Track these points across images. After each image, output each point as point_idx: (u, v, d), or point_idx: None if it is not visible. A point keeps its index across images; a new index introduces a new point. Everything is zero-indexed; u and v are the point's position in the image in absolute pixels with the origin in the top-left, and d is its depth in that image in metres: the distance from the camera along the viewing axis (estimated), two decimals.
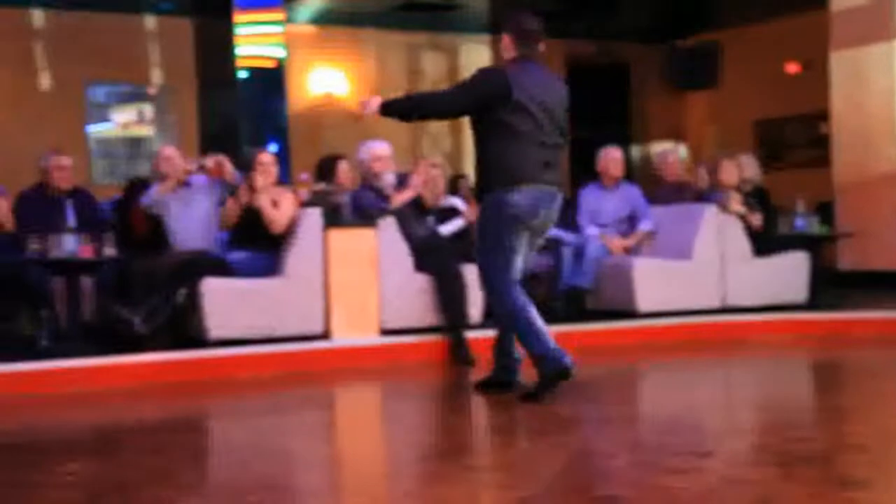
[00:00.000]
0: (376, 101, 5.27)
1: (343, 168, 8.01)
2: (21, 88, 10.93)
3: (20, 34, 11.01)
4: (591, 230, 8.26)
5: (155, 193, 7.33)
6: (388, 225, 7.20)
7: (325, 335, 6.91)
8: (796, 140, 12.66)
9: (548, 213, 5.24)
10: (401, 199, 7.36)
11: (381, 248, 7.11)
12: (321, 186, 7.78)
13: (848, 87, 9.91)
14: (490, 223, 5.21)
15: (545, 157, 5.18)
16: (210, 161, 7.34)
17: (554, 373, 5.10)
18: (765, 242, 8.22)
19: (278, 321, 6.78)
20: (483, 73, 5.25)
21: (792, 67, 12.70)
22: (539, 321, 5.16)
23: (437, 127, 13.04)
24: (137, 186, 8.31)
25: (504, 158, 5.12)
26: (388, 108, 5.26)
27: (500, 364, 5.48)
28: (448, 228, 7.85)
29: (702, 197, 8.44)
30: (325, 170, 7.99)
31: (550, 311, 7.90)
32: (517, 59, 5.24)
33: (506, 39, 5.27)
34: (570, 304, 7.98)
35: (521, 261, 5.27)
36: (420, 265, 7.24)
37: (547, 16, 11.94)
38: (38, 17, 11.11)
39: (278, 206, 6.95)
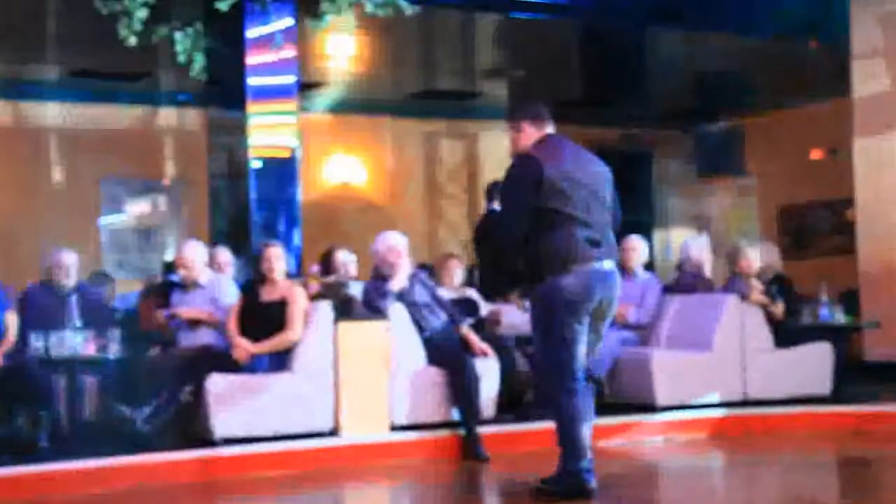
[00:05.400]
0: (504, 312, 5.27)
1: (338, 258, 8.04)
2: (35, 182, 11.13)
3: (36, 127, 11.24)
4: None
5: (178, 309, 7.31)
6: (400, 317, 7.21)
7: (334, 432, 6.88)
8: (822, 227, 12.66)
9: (605, 292, 5.12)
10: None
11: (393, 341, 7.11)
12: (331, 279, 7.84)
13: (873, 175, 9.92)
14: (545, 314, 5.10)
15: (590, 235, 5.09)
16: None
17: (572, 492, 5.10)
18: (787, 333, 8.17)
19: (286, 418, 6.76)
20: (514, 166, 5.22)
21: (817, 154, 12.73)
22: (584, 433, 5.09)
23: (455, 216, 13.12)
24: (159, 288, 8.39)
25: (549, 244, 5.05)
26: (491, 284, 5.29)
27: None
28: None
29: (712, 288, 8.43)
30: (325, 262, 8.02)
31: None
32: (542, 139, 5.25)
33: (525, 128, 5.28)
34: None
35: (585, 351, 5.14)
36: (432, 358, 7.23)
37: (568, 104, 12.17)
38: (53, 110, 11.34)
39: (288, 303, 6.95)
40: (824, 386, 8.12)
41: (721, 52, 11.08)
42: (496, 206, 5.33)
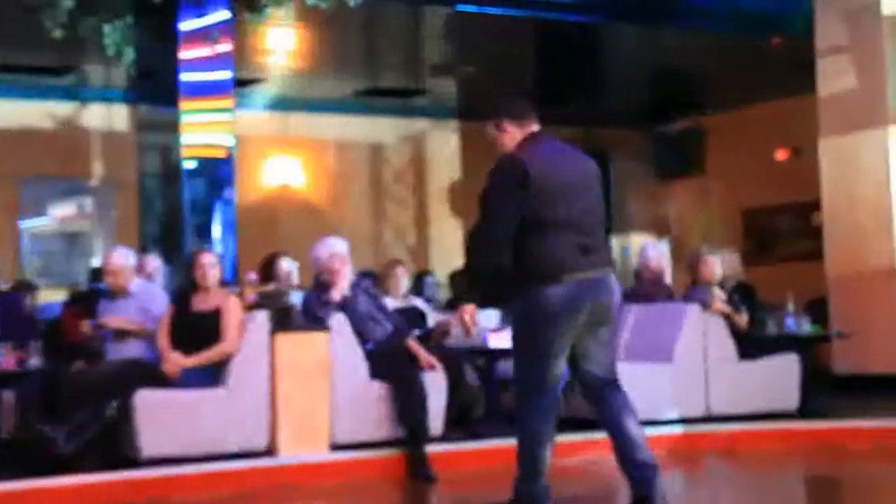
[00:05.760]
0: (468, 314, 5.10)
1: (282, 266, 7.97)
2: None
3: None
4: None
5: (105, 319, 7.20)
6: (342, 328, 7.13)
7: (270, 451, 6.80)
8: (788, 231, 12.76)
9: (597, 302, 4.96)
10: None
11: (334, 354, 7.04)
12: (269, 287, 7.75)
13: (839, 176, 10.00)
14: (525, 325, 4.99)
15: (582, 240, 4.95)
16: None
17: None
18: (751, 344, 8.19)
19: (219, 436, 6.66)
20: (495, 170, 5.07)
21: (782, 154, 12.82)
22: (545, 455, 5.04)
23: (402, 220, 13.08)
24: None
25: (535, 250, 4.92)
26: (473, 295, 5.08)
27: (630, 477, 5.15)
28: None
29: (672, 296, 8.44)
30: (265, 269, 7.94)
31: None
32: (526, 138, 5.11)
33: (507, 127, 5.13)
34: None
35: (564, 365, 5.03)
36: (376, 372, 7.15)
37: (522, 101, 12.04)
38: None
39: (223, 314, 6.86)
40: (791, 400, 8.15)
41: (681, 47, 11.13)
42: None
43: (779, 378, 8.17)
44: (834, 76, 10.08)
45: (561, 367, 5.01)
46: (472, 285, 5.15)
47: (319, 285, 7.48)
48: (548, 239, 4.92)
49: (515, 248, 4.98)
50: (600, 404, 5.15)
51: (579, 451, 7.24)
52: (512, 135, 5.13)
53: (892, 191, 9.69)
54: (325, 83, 11.92)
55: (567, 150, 5.19)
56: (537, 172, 4.93)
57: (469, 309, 5.05)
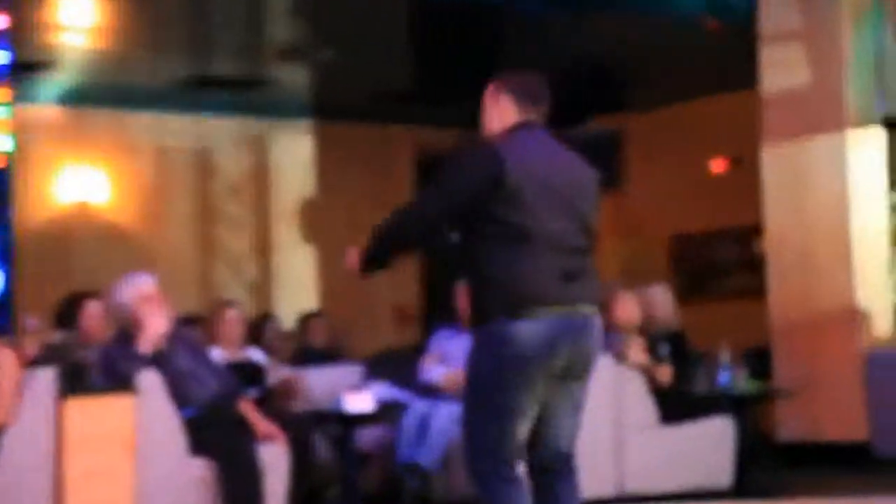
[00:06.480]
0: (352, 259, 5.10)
1: (92, 311, 7.95)
2: None
3: None
4: (429, 368, 8.39)
5: None
6: (153, 389, 7.13)
7: None
8: (724, 262, 12.96)
9: (577, 347, 4.95)
10: None
11: (142, 423, 7.02)
12: (57, 337, 7.70)
13: (786, 193, 10.18)
14: (482, 371, 4.94)
15: (565, 265, 4.92)
16: None
17: None
18: (676, 404, 8.36)
19: None
20: (466, 153, 5.09)
21: (718, 164, 13.01)
22: None
23: (238, 249, 13.03)
24: None
25: (502, 273, 4.88)
26: (366, 262, 5.08)
27: None
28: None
29: None
30: (66, 314, 7.88)
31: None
32: (515, 126, 5.13)
33: (502, 99, 5.17)
34: (409, 489, 7.92)
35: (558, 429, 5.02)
36: (197, 445, 7.18)
37: (393, 96, 12.18)
38: None
39: None
40: (725, 474, 8.33)
41: (594, 32, 11.26)
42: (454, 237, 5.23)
43: (709, 447, 8.36)
44: (781, 67, 10.29)
45: (524, 426, 4.96)
46: (370, 254, 5.14)
47: (124, 335, 7.49)
48: (521, 258, 4.91)
49: (478, 266, 4.97)
50: (548, 492, 5.12)
51: None
52: (503, 112, 5.16)
53: (851, 211, 9.92)
54: (137, 70, 11.82)
55: (562, 151, 5.21)
56: (516, 168, 4.93)
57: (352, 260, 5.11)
